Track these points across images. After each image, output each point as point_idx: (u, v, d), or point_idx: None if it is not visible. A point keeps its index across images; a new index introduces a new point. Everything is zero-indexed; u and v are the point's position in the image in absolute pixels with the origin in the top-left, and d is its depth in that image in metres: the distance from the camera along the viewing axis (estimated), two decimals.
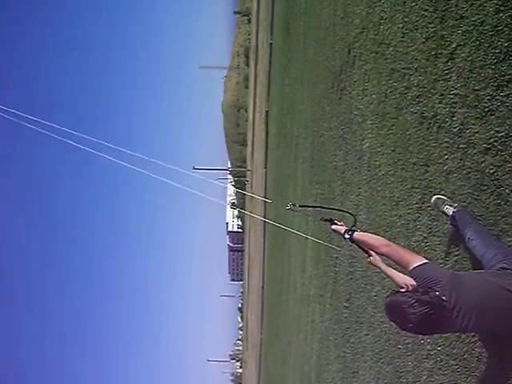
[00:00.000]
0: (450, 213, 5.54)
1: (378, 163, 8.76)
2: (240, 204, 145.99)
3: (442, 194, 5.98)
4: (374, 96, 9.02)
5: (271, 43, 34.86)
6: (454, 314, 4.05)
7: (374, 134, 8.99)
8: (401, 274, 4.92)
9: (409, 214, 7.26)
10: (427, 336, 6.33)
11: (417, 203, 6.95)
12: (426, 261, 4.35)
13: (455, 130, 5.88)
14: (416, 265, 4.29)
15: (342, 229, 5.21)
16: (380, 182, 8.60)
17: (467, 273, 4.85)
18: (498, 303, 4.06)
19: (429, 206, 6.53)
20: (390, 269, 5.12)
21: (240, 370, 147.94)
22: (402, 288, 4.40)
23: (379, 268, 5.18)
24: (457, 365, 5.78)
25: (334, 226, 5.38)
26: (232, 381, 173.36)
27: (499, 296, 4.06)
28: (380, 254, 4.90)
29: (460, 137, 5.77)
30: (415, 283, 4.28)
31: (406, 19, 7.48)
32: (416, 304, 4.01)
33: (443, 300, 4.04)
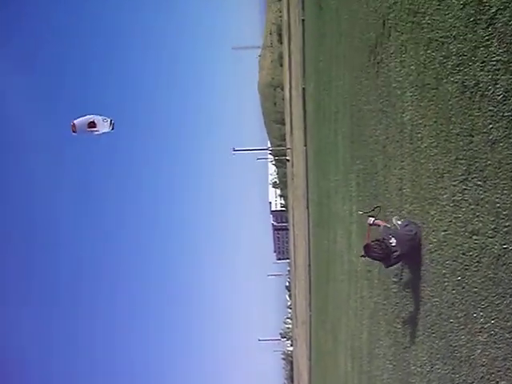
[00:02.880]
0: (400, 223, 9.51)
1: (420, 135, 8.60)
2: (282, 183, 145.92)
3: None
4: (412, 67, 8.83)
5: (303, 19, 34.48)
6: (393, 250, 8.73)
7: (415, 106, 8.82)
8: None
9: (454, 186, 7.11)
10: (388, 265, 9.40)
11: (462, 174, 6.80)
12: (387, 224, 9.61)
13: (499, 97, 5.71)
14: (384, 225, 9.55)
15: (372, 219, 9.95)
16: (423, 154, 8.44)
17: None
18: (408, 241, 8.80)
19: (474, 177, 6.40)
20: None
21: (291, 348, 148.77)
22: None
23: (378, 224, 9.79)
24: None
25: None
26: (283, 359, 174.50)
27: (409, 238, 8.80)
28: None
29: (504, 104, 5.61)
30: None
31: None
32: (381, 246, 8.80)
33: (391, 244, 8.74)
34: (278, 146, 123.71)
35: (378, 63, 11.44)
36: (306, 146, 39.55)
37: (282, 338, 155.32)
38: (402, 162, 9.71)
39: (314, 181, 34.92)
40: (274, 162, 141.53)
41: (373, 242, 8.94)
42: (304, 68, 36.28)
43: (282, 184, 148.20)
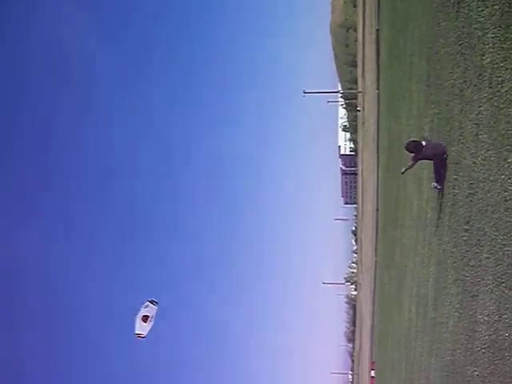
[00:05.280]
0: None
1: (500, 79, 8.27)
2: (352, 127, 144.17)
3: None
4: (495, 7, 8.44)
5: None
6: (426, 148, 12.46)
7: (496, 48, 8.46)
8: None
9: None
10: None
11: None
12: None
13: None
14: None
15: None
16: (503, 99, 8.14)
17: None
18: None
19: None
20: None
21: (355, 293, 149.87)
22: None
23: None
24: None
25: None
26: (347, 303, 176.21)
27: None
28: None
29: None
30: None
31: None
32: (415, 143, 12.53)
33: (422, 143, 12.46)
34: (349, 89, 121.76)
35: (458, 3, 10.99)
36: (378, 89, 38.83)
37: (347, 282, 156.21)
38: (480, 106, 9.40)
39: (385, 125, 34.38)
40: (344, 106, 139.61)
41: (411, 140, 12.70)
42: (379, 9, 35.28)
43: (352, 128, 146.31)
